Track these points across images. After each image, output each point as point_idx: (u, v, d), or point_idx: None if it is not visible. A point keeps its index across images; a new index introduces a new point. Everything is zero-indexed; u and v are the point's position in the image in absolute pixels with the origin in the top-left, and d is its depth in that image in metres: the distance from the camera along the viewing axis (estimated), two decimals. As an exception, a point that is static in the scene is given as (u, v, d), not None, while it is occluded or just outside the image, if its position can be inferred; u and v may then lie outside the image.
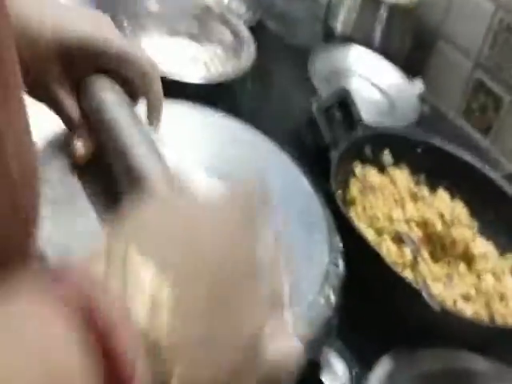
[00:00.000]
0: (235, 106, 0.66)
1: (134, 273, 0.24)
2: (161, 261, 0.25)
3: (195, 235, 0.27)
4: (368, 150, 0.69)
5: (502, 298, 0.63)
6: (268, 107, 0.76)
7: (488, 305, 0.62)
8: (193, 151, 0.55)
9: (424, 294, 0.52)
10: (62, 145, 0.49)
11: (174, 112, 0.58)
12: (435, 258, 0.66)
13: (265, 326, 0.29)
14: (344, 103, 0.66)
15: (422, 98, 0.90)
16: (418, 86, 0.86)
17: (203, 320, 0.26)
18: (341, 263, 0.53)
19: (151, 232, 0.27)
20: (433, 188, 0.73)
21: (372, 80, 0.86)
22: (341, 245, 0.54)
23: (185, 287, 0.25)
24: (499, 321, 0.60)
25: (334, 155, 0.61)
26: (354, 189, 0.67)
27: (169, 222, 0.28)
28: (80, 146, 0.47)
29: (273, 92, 0.81)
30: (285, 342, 0.31)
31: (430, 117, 0.92)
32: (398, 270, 0.57)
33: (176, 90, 0.57)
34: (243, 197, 0.32)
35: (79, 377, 0.21)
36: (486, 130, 0.96)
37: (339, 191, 0.62)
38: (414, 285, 0.54)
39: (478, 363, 0.57)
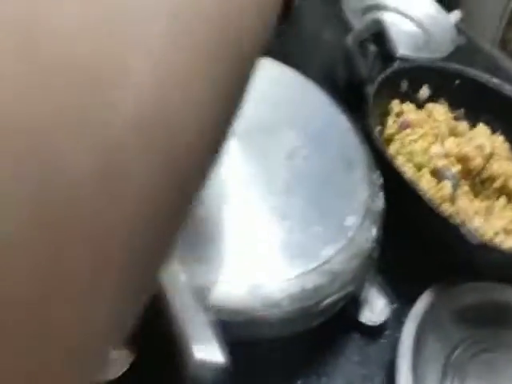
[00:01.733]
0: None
1: None
2: None
3: None
4: (404, 85, 0.67)
5: (542, 231, 0.63)
6: (299, 45, 0.74)
7: (529, 238, 0.61)
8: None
9: (462, 227, 0.52)
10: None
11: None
12: (474, 192, 0.65)
13: None
14: (379, 36, 0.64)
15: (458, 29, 0.86)
16: (454, 16, 0.83)
17: None
18: (381, 198, 0.52)
19: None
20: (472, 123, 0.71)
21: (406, 12, 0.83)
22: (380, 180, 0.54)
23: None
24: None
25: (371, 90, 0.59)
26: (392, 126, 0.66)
27: None
28: None
29: (304, 29, 0.79)
30: None
31: (466, 49, 0.89)
32: (438, 204, 0.56)
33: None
34: None
35: None
36: (524, 61, 0.93)
37: (377, 128, 0.61)
38: (453, 219, 0.53)
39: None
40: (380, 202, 0.52)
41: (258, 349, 0.46)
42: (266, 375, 0.46)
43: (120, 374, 0.39)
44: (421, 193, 0.54)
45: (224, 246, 0.44)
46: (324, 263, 0.45)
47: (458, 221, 0.53)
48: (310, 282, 0.43)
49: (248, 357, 0.46)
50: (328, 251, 0.46)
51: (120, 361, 0.40)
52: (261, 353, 0.46)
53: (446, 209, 0.58)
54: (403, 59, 0.67)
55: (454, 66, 0.71)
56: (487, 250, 0.53)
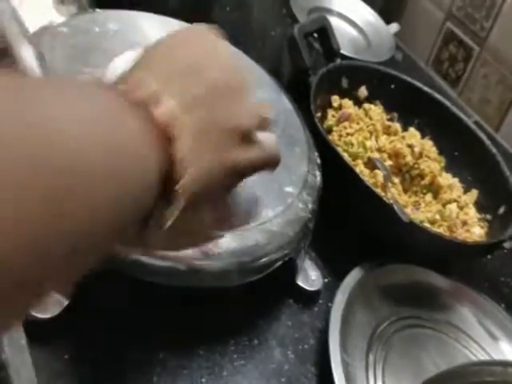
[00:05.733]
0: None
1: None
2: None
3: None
4: (345, 82, 0.72)
5: (464, 224, 0.67)
6: (248, 34, 0.78)
7: (451, 229, 0.66)
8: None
9: (395, 206, 0.55)
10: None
11: (154, 24, 0.60)
12: (404, 188, 0.69)
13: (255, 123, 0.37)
14: (323, 33, 0.68)
15: (396, 46, 0.92)
16: (393, 27, 0.89)
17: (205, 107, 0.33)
18: (318, 174, 0.55)
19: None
20: (405, 126, 0.76)
21: (350, 18, 0.88)
22: (318, 160, 0.57)
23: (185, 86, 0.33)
24: (461, 243, 0.64)
25: (314, 79, 0.63)
26: (331, 119, 0.70)
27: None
28: None
29: (252, 20, 0.83)
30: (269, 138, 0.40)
31: (402, 65, 0.95)
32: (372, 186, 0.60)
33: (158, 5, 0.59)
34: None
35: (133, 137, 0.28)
36: (455, 81, 1.00)
37: (318, 114, 0.64)
38: (385, 199, 0.57)
39: (438, 279, 0.62)
40: (317, 179, 0.55)
41: (196, 303, 0.47)
42: (201, 331, 0.47)
43: (56, 313, 0.41)
44: (356, 172, 0.57)
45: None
46: (264, 223, 0.47)
47: (389, 200, 0.57)
48: (250, 239, 0.45)
49: (184, 309, 0.47)
50: (268, 213, 0.48)
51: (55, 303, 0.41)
52: (197, 310, 0.47)
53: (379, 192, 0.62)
54: (344, 57, 0.72)
55: (391, 71, 0.76)
56: (416, 229, 0.56)
